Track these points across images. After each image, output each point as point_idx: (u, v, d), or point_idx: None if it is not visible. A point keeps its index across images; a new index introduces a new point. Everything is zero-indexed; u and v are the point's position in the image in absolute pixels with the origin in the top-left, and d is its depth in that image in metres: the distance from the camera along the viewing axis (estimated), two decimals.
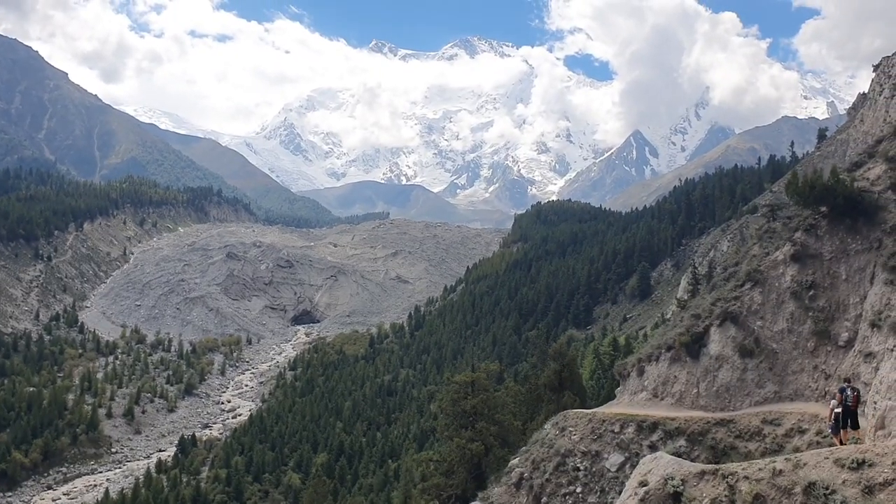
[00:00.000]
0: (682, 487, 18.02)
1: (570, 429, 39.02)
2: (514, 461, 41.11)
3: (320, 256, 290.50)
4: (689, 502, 17.67)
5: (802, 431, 30.29)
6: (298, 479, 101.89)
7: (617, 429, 36.38)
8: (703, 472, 18.32)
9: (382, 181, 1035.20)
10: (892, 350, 18.92)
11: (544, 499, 35.84)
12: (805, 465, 16.34)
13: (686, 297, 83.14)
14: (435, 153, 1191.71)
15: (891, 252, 33.38)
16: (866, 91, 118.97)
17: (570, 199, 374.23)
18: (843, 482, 15.25)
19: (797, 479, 15.95)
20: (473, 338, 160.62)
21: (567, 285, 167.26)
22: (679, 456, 33.24)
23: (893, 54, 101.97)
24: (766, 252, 38.53)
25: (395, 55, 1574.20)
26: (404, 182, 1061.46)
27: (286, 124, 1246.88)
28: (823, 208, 36.67)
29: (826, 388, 31.27)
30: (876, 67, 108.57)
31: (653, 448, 34.65)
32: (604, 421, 37.37)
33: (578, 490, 34.90)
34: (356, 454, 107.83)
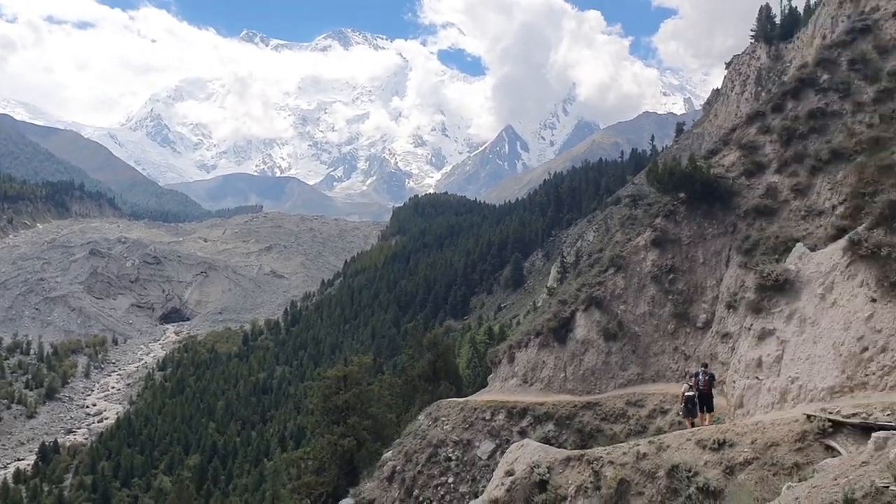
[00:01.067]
0: (547, 475, 17.61)
1: (443, 418, 38.51)
2: (387, 454, 40.24)
3: (190, 252, 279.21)
4: (555, 490, 17.29)
5: (664, 412, 30.95)
6: (169, 482, 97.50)
7: (488, 416, 36.15)
8: (568, 459, 17.99)
9: (255, 173, 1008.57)
10: (748, 329, 19.33)
11: (416, 491, 35.13)
12: (668, 447, 16.22)
13: (555, 285, 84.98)
14: (310, 145, 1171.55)
15: (744, 236, 34.70)
16: (720, 87, 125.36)
17: (446, 193, 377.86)
18: (706, 463, 15.17)
19: (661, 463, 15.78)
20: (352, 332, 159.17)
21: (445, 277, 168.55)
22: (548, 440, 33.37)
23: (743, 52, 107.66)
24: (628, 238, 39.32)
25: (266, 45, 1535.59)
26: (278, 174, 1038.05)
27: (153, 115, 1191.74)
28: (682, 194, 37.73)
29: (686, 369, 32.07)
30: (728, 65, 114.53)
31: (523, 434, 34.63)
32: (475, 409, 37.07)
33: (450, 480, 34.40)
34: (230, 454, 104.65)
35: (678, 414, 25.83)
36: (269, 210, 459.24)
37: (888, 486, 7.53)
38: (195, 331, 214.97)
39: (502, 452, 35.25)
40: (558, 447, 33.25)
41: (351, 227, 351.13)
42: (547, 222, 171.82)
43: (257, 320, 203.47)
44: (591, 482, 16.63)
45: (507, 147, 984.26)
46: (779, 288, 18.47)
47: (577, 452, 18.26)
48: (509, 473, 18.66)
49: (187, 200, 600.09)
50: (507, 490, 18.06)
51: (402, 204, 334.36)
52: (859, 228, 17.32)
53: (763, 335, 18.49)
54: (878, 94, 35.74)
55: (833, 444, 13.82)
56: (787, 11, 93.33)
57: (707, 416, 21.41)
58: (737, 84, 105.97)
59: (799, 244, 21.18)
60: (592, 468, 16.82)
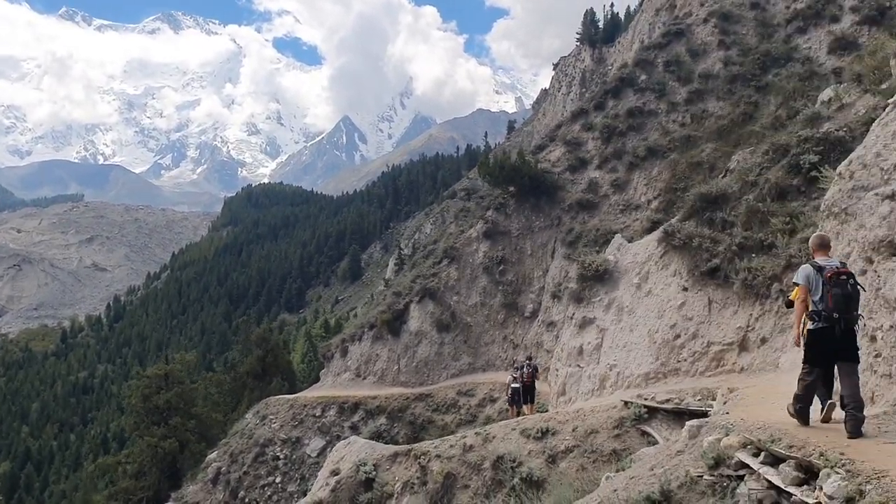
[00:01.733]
0: (374, 473, 17.12)
1: (272, 416, 37.13)
2: (212, 455, 38.33)
3: (1, 243, 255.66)
4: (382, 487, 16.83)
5: (493, 400, 31.38)
6: None
7: (318, 412, 35.21)
8: (396, 454, 17.60)
9: (76, 160, 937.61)
10: (570, 318, 19.83)
11: (242, 492, 33.65)
12: (494, 437, 16.17)
13: (392, 277, 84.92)
14: (136, 131, 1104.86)
15: (568, 228, 35.88)
16: (548, 87, 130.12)
17: (281, 183, 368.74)
18: (529, 453, 15.22)
19: (486, 454, 15.71)
20: (180, 327, 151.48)
21: (279, 269, 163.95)
22: (380, 434, 32.97)
23: (569, 54, 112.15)
24: (462, 230, 39.68)
25: (89, 25, 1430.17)
26: (102, 161, 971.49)
27: None
28: (512, 188, 38.49)
29: (514, 357, 32.71)
30: (555, 66, 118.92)
31: (354, 429, 34.02)
32: (305, 405, 36.02)
33: (278, 480, 33.22)
34: (45, 460, 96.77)
35: (506, 402, 26.26)
36: (92, 199, 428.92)
37: (702, 476, 7.52)
38: (7, 328, 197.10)
39: (333, 449, 34.60)
40: (390, 441, 32.99)
41: (179, 217, 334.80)
42: (385, 214, 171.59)
43: (77, 316, 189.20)
44: (417, 477, 16.31)
45: (344, 138, 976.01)
46: (598, 278, 19.05)
47: (404, 448, 17.91)
48: (334, 473, 18.01)
49: None
50: (332, 490, 17.41)
51: (234, 194, 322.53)
52: (673, 220, 18.10)
53: (584, 324, 19.01)
54: (689, 95, 38.03)
55: (649, 429, 14.21)
56: (609, 17, 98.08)
57: (531, 406, 21.88)
58: (563, 85, 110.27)
59: (618, 235, 21.97)
60: (419, 463, 16.51)
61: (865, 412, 6.92)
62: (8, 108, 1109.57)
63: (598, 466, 14.09)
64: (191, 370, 52.63)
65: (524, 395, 22.20)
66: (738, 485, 7.04)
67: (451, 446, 16.53)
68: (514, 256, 36.71)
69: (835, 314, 6.90)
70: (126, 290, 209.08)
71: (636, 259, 18.52)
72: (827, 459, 5.68)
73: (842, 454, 5.67)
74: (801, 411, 7.35)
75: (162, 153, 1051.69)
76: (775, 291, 14.59)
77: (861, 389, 7.19)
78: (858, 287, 7.11)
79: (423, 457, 16.73)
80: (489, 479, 15.22)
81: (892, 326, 8.18)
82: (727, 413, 10.31)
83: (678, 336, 16.08)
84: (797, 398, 7.37)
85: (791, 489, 6.05)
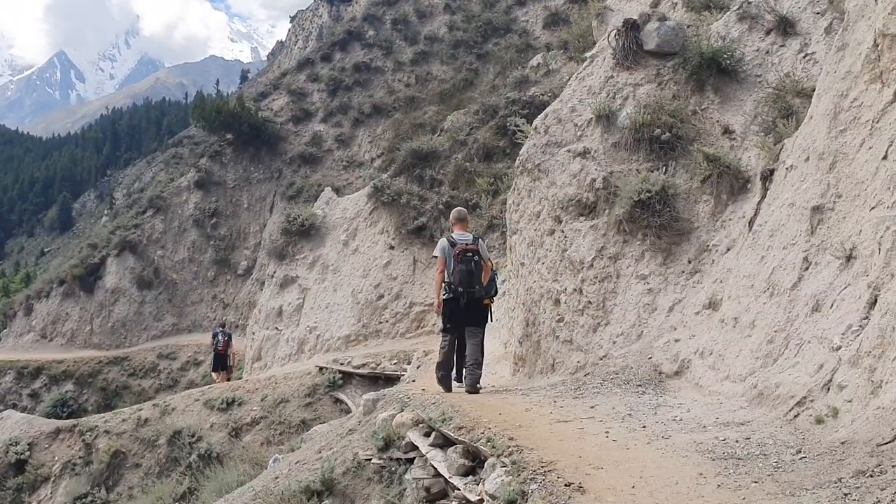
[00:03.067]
0: (27, 453, 14.46)
1: None
2: None
3: None
4: (37, 469, 14.27)
5: (198, 363, 29.08)
6: None
7: None
8: (58, 431, 15.08)
9: None
10: (271, 277, 18.29)
11: None
12: (174, 410, 14.38)
13: None
14: None
15: (289, 182, 34.15)
16: (284, 39, 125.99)
17: None
18: (212, 426, 13.67)
19: (163, 429, 13.90)
20: None
21: None
22: (65, 403, 29.25)
23: (307, 8, 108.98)
24: (172, 178, 36.29)
25: None
26: None
27: None
28: (229, 136, 35.83)
29: (224, 318, 30.60)
30: (293, 19, 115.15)
31: (35, 397, 29.91)
32: None
33: None
34: None
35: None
36: None
37: (370, 460, 6.46)
38: None
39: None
40: (78, 411, 29.41)
41: None
42: (102, 160, 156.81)
43: None
44: (80, 457, 14.00)
45: (59, 74, 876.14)
46: (304, 233, 17.72)
47: (68, 423, 15.40)
48: None
49: None
50: None
51: None
52: (384, 175, 17.25)
53: (286, 283, 17.61)
54: (415, 56, 37.82)
55: (342, 397, 13.28)
56: None
57: (223, 374, 20.34)
58: (300, 39, 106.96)
59: (327, 189, 20.79)
60: (84, 441, 14.18)
61: (547, 380, 6.42)
62: None
63: (285, 438, 12.90)
64: None
65: (216, 364, 20.63)
66: (406, 469, 6.10)
67: (124, 420, 14.44)
68: (229, 209, 34.28)
69: (459, 288, 7.41)
70: None
71: (345, 215, 17.45)
72: (494, 446, 4.81)
73: (511, 439, 4.83)
74: (443, 379, 7.58)
75: None
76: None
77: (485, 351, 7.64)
78: (482, 262, 7.50)
79: (89, 433, 14.45)
80: (164, 457, 13.43)
81: (575, 289, 7.74)
82: (414, 380, 9.52)
83: (381, 296, 15.31)
84: (438, 365, 7.70)
85: (455, 480, 5.16)
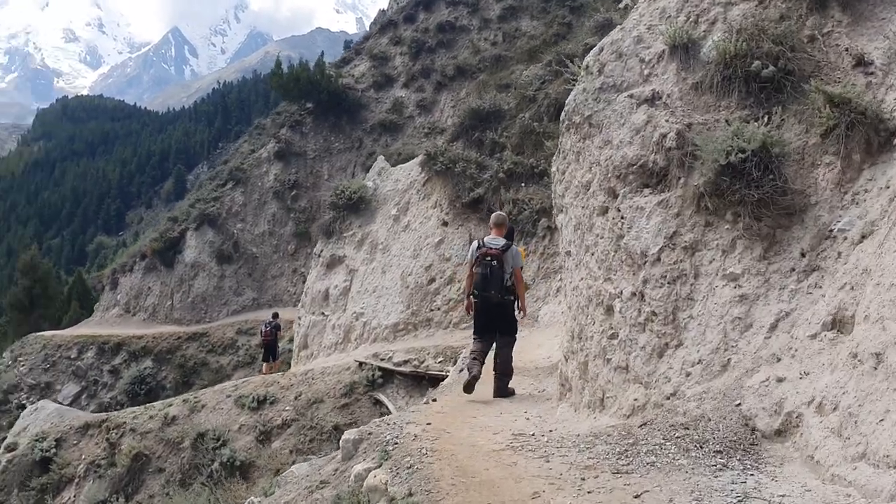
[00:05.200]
0: (54, 450, 13.34)
1: (23, 357, 31.99)
2: None
3: None
4: (62, 469, 13.13)
5: None
6: None
7: (74, 354, 30.52)
8: (87, 426, 13.96)
9: None
10: (318, 256, 16.58)
11: None
12: (204, 407, 12.90)
13: None
14: None
15: (369, 151, 32.51)
16: (385, 8, 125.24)
17: (101, 95, 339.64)
18: (240, 428, 12.11)
19: (188, 430, 12.39)
20: None
21: (97, 189, 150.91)
22: (144, 380, 28.94)
23: None
24: (253, 150, 35.31)
25: None
26: None
27: None
28: (309, 104, 34.46)
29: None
30: None
31: (115, 373, 29.79)
32: (60, 346, 31.18)
33: None
34: None
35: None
36: None
37: None
38: None
39: (89, 396, 30.12)
40: (156, 387, 29.02)
41: None
42: (214, 133, 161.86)
43: None
44: (104, 457, 12.72)
45: (173, 51, 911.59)
46: (353, 207, 15.84)
47: (97, 417, 14.25)
48: (10, 448, 14.10)
49: None
50: (2, 472, 13.54)
51: (48, 105, 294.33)
52: (439, 140, 15.10)
53: (332, 263, 15.82)
54: (503, 12, 35.25)
55: (382, 398, 11.38)
56: None
57: (273, 364, 19.10)
58: (397, 4, 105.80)
59: (380, 157, 18.79)
60: (108, 440, 12.89)
61: (591, 424, 4.33)
62: None
63: (315, 446, 11.15)
64: None
65: (266, 353, 19.52)
66: None
67: (152, 417, 13.10)
68: (310, 181, 33.00)
69: (475, 291, 7.64)
70: None
71: (397, 186, 15.43)
72: None
73: None
74: (468, 384, 7.41)
75: None
76: (542, 228, 12.00)
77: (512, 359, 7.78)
78: (500, 267, 7.47)
79: (116, 430, 13.16)
80: (187, 462, 11.94)
81: (634, 293, 5.44)
82: (434, 400, 7.48)
83: (433, 280, 13.27)
84: (467, 367, 7.75)
85: None
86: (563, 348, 6.87)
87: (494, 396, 7.46)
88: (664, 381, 5.09)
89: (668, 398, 4.99)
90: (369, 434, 5.75)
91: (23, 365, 31.48)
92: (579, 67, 6.89)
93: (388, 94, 34.69)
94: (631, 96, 5.99)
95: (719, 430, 4.35)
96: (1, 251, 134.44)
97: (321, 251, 16.49)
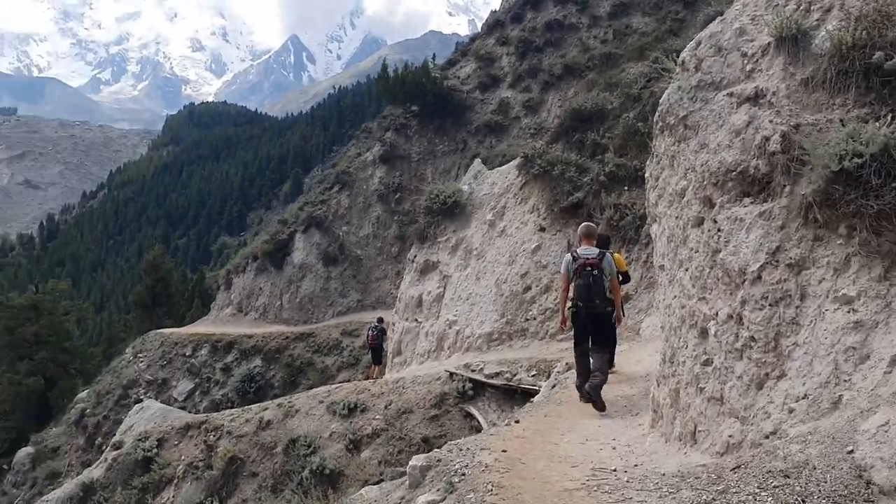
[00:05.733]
0: (155, 450, 13.67)
1: (143, 354, 33.58)
2: (81, 395, 34.88)
3: None
4: (162, 469, 13.44)
5: None
6: None
7: (189, 352, 31.72)
8: (187, 427, 14.24)
9: (9, 72, 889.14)
10: (412, 262, 16.30)
11: (99, 439, 30.25)
12: (298, 411, 12.91)
13: None
14: (73, 43, 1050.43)
15: (474, 154, 32.24)
16: (497, 10, 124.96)
17: (225, 102, 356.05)
18: (331, 435, 12.00)
19: (281, 435, 12.42)
20: (116, 248, 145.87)
21: (220, 191, 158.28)
22: (253, 378, 29.70)
23: None
24: (359, 153, 35.74)
25: None
26: (36, 74, 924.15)
27: None
28: (414, 107, 34.55)
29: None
30: None
31: (226, 371, 30.73)
32: (176, 343, 32.49)
33: None
34: None
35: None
36: (26, 113, 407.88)
37: None
38: None
39: (202, 393, 31.21)
40: (265, 386, 29.74)
41: (118, 134, 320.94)
42: (329, 137, 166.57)
43: (8, 235, 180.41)
44: (201, 459, 12.94)
45: (292, 57, 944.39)
46: (448, 212, 15.52)
47: (198, 418, 14.54)
48: (116, 446, 14.57)
49: None
50: (108, 469, 13.99)
51: (176, 112, 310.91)
52: (537, 142, 14.58)
53: (426, 269, 15.55)
54: (614, 9, 34.24)
55: (473, 411, 11.02)
56: None
57: (376, 368, 18.99)
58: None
59: (477, 160, 18.37)
60: (206, 442, 13.10)
61: (679, 460, 3.92)
62: None
63: (404, 458, 10.87)
64: (65, 298, 48.38)
65: (373, 357, 19.47)
66: None
67: (248, 421, 13.21)
68: (414, 183, 33.05)
69: (578, 302, 7.51)
70: (60, 208, 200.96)
71: (493, 190, 15.01)
72: None
73: None
74: (579, 388, 7.81)
75: (101, 67, 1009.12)
76: (645, 235, 11.32)
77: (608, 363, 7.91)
78: (601, 276, 7.47)
79: (214, 432, 13.36)
80: (279, 468, 11.96)
81: (731, 316, 4.84)
82: (517, 421, 7.06)
83: (528, 288, 12.78)
84: (578, 374, 7.92)
85: None
86: (654, 371, 6.31)
87: (586, 399, 7.58)
88: (763, 416, 4.48)
89: (767, 437, 4.38)
90: (438, 461, 5.40)
91: (142, 361, 33.00)
92: (675, 63, 6.30)
93: (493, 94, 34.34)
94: (731, 95, 5.37)
95: (826, 482, 3.73)
96: (132, 250, 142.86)
97: (415, 256, 16.29)
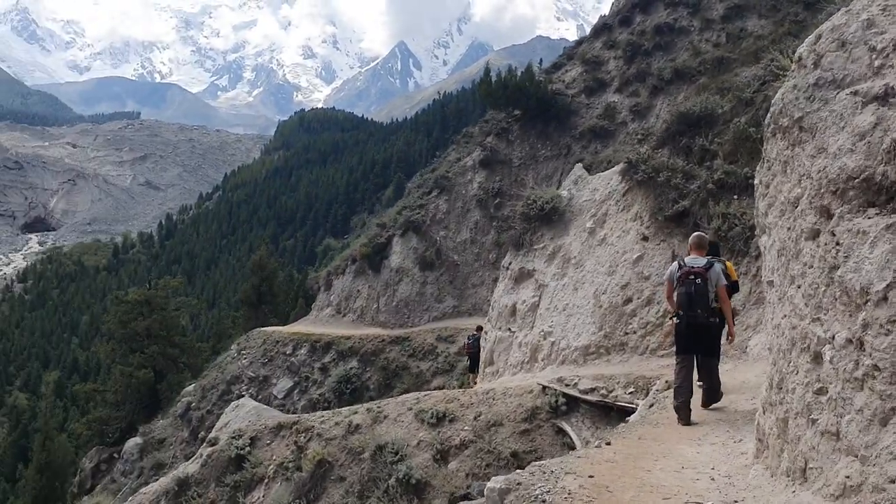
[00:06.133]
0: (248, 448, 13.86)
1: (246, 351, 34.57)
2: (188, 388, 36.26)
3: (56, 157, 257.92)
4: (254, 468, 13.59)
5: None
6: (25, 398, 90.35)
7: (289, 350, 32.38)
8: (279, 427, 14.38)
9: (133, 78, 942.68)
10: (506, 269, 15.89)
11: (203, 432, 31.19)
12: (386, 418, 12.79)
13: None
14: (193, 50, 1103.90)
15: (577, 159, 31.57)
16: (606, 14, 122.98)
17: (333, 108, 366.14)
18: (419, 444, 11.84)
19: (370, 440, 12.32)
20: (229, 247, 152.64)
21: (326, 194, 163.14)
22: (349, 379, 29.98)
23: None
24: (459, 158, 35.67)
25: None
26: (159, 80, 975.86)
27: (19, 8, 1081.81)
28: (517, 112, 34.21)
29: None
30: None
31: (324, 371, 31.20)
32: (278, 342, 33.25)
33: None
34: (92, 370, 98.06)
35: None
36: (149, 117, 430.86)
37: None
38: (61, 241, 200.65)
39: (300, 392, 31.79)
40: (361, 388, 30.00)
41: (233, 139, 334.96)
42: (432, 142, 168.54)
43: (129, 233, 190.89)
44: (292, 460, 13.00)
45: (399, 64, 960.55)
46: (545, 218, 15.07)
47: (291, 418, 14.66)
48: (211, 443, 14.88)
49: (57, 103, 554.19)
50: (202, 465, 14.28)
51: (288, 117, 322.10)
52: (642, 148, 13.97)
53: (521, 277, 15.14)
54: (727, 11, 32.90)
55: (566, 427, 10.61)
56: None
57: (472, 376, 18.75)
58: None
59: (578, 164, 17.80)
60: (296, 442, 13.17)
61: (795, 492, 3.63)
62: (68, 24, 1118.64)
63: (492, 472, 10.57)
64: (176, 294, 50.45)
65: (471, 364, 19.26)
66: None
67: (337, 424, 13.20)
68: (513, 189, 32.69)
69: (679, 311, 7.36)
70: (178, 208, 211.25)
71: (594, 197, 14.48)
72: None
73: None
74: (679, 407, 7.28)
75: (218, 74, 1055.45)
76: (755, 247, 10.61)
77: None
78: (705, 285, 7.16)
79: (304, 433, 13.43)
80: (366, 474, 11.85)
81: (850, 340, 4.29)
82: (608, 443, 6.62)
83: (629, 300, 12.21)
84: (675, 391, 7.45)
85: None
86: (761, 396, 5.75)
87: (703, 406, 7.50)
88: (888, 457, 3.93)
89: (893, 482, 3.83)
90: (518, 484, 5.07)
91: (245, 358, 33.94)
92: (790, 60, 5.75)
93: (599, 99, 33.61)
94: (855, 93, 4.80)
95: None
96: (244, 249, 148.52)
97: (509, 263, 15.93)
